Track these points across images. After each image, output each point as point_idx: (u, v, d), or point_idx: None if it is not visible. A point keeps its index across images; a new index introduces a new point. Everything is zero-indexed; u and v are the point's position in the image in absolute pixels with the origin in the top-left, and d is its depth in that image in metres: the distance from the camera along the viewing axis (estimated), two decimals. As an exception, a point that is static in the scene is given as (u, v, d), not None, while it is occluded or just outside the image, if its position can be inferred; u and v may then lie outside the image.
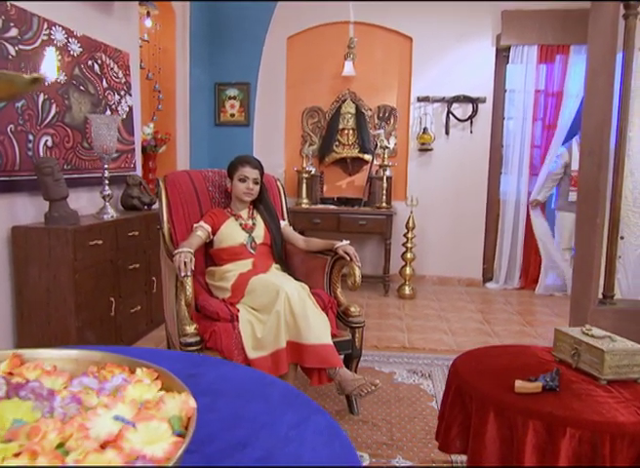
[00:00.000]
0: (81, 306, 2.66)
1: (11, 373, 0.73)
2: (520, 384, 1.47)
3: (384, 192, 4.59)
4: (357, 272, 2.38)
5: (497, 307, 4.36)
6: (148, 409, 0.59)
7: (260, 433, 0.72)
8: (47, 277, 2.61)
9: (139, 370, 0.71)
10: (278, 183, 2.92)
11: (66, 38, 2.97)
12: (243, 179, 2.50)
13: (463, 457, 2.04)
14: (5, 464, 0.49)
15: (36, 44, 2.73)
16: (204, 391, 0.76)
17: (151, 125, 4.13)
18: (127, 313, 3.11)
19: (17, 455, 0.51)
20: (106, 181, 3.09)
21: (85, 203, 3.22)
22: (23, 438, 0.54)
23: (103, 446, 0.55)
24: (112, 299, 2.94)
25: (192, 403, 0.62)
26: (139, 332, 3.29)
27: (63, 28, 2.94)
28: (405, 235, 4.53)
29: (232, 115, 5.02)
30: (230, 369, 0.98)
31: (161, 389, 0.68)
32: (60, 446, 0.54)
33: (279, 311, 2.12)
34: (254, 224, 2.55)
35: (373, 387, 2.09)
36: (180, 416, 0.60)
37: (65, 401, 0.63)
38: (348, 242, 2.45)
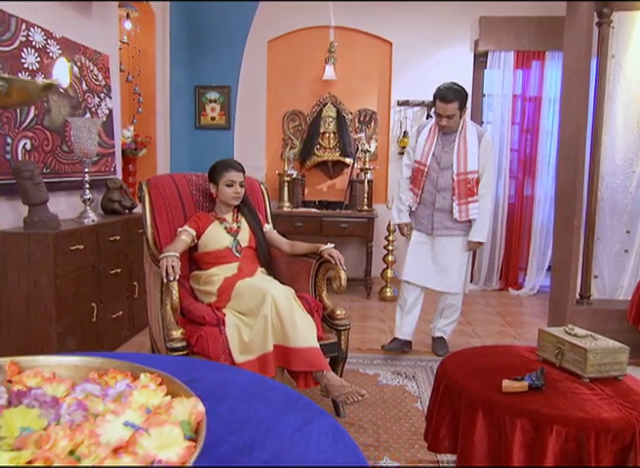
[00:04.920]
0: (62, 312, 2.61)
1: (9, 381, 0.72)
2: (507, 383, 1.50)
3: (365, 195, 4.63)
4: (343, 275, 2.39)
5: (477, 308, 4.42)
6: (159, 414, 0.60)
7: (266, 436, 0.72)
8: (27, 283, 2.56)
9: (143, 376, 0.71)
10: (262, 187, 2.92)
11: (45, 39, 2.92)
12: (230, 184, 2.49)
13: (450, 457, 2.07)
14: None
15: (14, 45, 2.68)
16: (205, 395, 0.76)
17: (131, 128, 4.08)
18: (108, 319, 3.07)
19: (29, 463, 0.51)
20: (87, 185, 3.05)
21: (64, 207, 3.16)
22: (32, 446, 0.54)
23: (114, 452, 0.55)
24: (94, 305, 2.89)
25: (201, 407, 0.62)
26: (120, 338, 3.25)
27: (42, 29, 2.89)
28: (386, 238, 4.57)
29: (213, 118, 5.00)
30: (230, 373, 0.98)
31: (166, 394, 0.68)
32: (71, 453, 0.54)
33: (266, 315, 2.12)
34: (238, 228, 2.55)
35: (359, 397, 2.10)
36: (190, 421, 0.61)
37: (72, 408, 0.62)
38: (333, 245, 2.47)
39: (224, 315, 2.20)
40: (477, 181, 2.99)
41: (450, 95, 2.91)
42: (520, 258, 4.99)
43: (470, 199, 2.97)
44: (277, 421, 0.77)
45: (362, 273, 4.74)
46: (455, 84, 2.98)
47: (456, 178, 2.96)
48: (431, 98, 4.74)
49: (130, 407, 0.60)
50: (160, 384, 0.70)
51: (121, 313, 3.21)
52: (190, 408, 0.62)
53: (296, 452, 0.68)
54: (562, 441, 1.35)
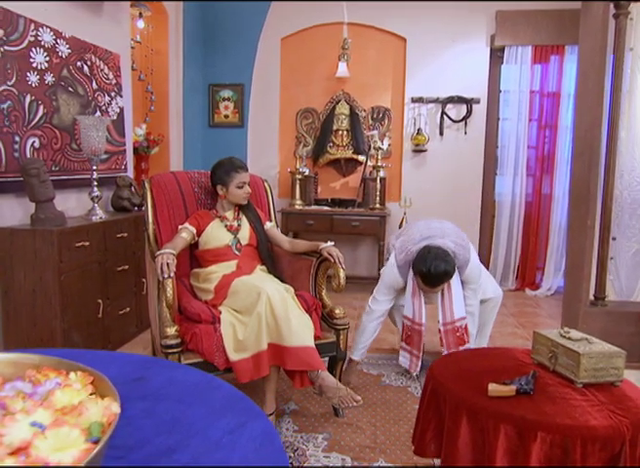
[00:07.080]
0: (67, 308, 2.65)
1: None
2: (493, 388, 1.45)
3: (378, 193, 4.58)
4: (341, 274, 2.36)
5: (490, 309, 4.32)
6: (65, 414, 0.58)
7: (193, 439, 0.71)
8: (32, 278, 2.60)
9: (72, 374, 0.70)
10: (266, 184, 2.91)
11: (54, 39, 2.97)
12: (241, 186, 2.49)
13: (445, 461, 2.03)
14: None
15: (23, 45, 2.73)
16: (147, 395, 0.75)
17: (144, 126, 4.13)
18: (115, 315, 3.10)
19: None
20: (95, 183, 3.09)
21: (74, 204, 3.22)
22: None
23: (16, 452, 0.54)
24: (100, 301, 2.93)
25: (115, 408, 0.61)
26: (127, 335, 3.28)
27: (51, 29, 2.94)
28: (398, 236, 4.51)
29: (226, 116, 5.02)
30: (180, 372, 0.96)
31: (95, 393, 0.67)
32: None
33: (260, 313, 2.11)
34: (239, 225, 2.54)
35: (354, 403, 2.07)
36: (102, 422, 0.59)
37: (-13, 406, 0.62)
38: (333, 243, 2.44)
39: (220, 313, 2.20)
40: (466, 328, 2.59)
41: (437, 280, 2.43)
42: (537, 258, 4.87)
43: (461, 348, 2.56)
44: (209, 424, 0.75)
45: (374, 272, 4.69)
46: (444, 258, 2.41)
47: (442, 329, 2.58)
48: (446, 95, 4.77)
49: (45, 406, 0.60)
50: (91, 383, 0.69)
51: (128, 309, 3.24)
52: (103, 409, 0.60)
53: (218, 456, 0.66)
54: (547, 448, 1.30)
